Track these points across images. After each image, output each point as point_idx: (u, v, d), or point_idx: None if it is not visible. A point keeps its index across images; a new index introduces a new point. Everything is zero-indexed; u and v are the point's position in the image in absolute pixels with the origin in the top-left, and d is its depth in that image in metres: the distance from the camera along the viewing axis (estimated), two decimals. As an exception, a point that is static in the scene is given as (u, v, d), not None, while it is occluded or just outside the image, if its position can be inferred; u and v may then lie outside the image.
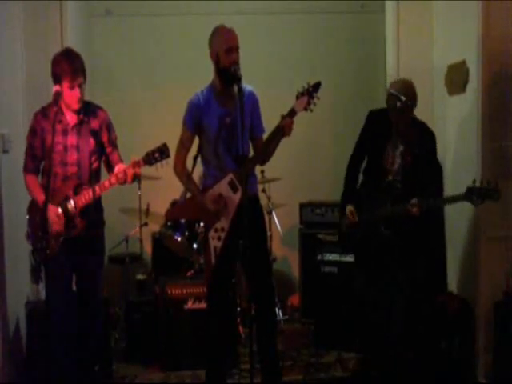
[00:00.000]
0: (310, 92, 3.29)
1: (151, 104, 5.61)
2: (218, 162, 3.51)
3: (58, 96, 3.29)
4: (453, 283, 4.42)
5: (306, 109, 3.29)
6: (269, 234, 5.12)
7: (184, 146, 3.54)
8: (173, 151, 3.51)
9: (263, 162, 3.70)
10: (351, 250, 4.02)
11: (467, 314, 4.05)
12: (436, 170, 3.80)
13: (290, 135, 3.34)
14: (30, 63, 4.23)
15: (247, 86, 3.51)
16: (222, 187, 3.44)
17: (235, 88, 3.31)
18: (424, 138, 3.71)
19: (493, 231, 3.96)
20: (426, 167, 3.71)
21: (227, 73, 3.37)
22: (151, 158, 3.29)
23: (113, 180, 3.36)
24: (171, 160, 3.38)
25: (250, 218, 3.21)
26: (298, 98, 3.31)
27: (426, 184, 3.69)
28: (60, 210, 3.38)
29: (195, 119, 3.49)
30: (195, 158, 3.62)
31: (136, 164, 3.31)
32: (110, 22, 5.66)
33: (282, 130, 3.31)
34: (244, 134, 3.40)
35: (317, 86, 3.30)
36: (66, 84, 3.31)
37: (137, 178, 3.40)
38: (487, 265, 3.97)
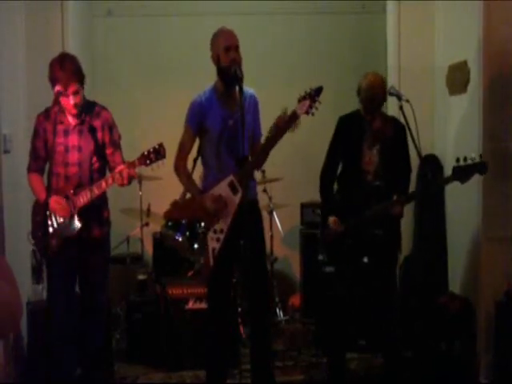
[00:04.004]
0: (312, 96, 3.25)
1: (152, 104, 5.61)
2: (219, 163, 3.50)
3: (58, 96, 3.30)
4: (454, 283, 4.42)
5: (307, 112, 3.25)
6: (270, 234, 5.14)
7: (185, 147, 3.53)
8: (173, 152, 3.52)
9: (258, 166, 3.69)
10: (336, 261, 3.86)
11: (468, 314, 4.04)
12: (409, 162, 3.78)
13: (295, 131, 3.28)
14: (30, 64, 4.23)
15: (249, 89, 3.50)
16: (222, 188, 3.43)
17: (237, 89, 3.32)
18: (397, 131, 3.68)
19: (493, 231, 3.96)
20: (402, 160, 3.71)
21: (228, 73, 3.38)
22: (146, 159, 3.26)
23: (109, 180, 3.35)
24: (167, 161, 3.34)
25: (249, 222, 3.25)
26: (299, 101, 3.27)
27: (400, 178, 3.71)
28: (61, 198, 3.38)
29: (197, 120, 3.49)
30: (195, 160, 3.61)
31: (131, 165, 3.29)
32: (111, 22, 5.66)
33: (279, 129, 3.26)
34: (245, 136, 3.37)
35: (319, 91, 3.27)
36: (60, 90, 3.31)
37: (132, 178, 3.39)
38: (488, 265, 3.96)
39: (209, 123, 3.47)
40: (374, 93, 3.59)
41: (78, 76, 3.36)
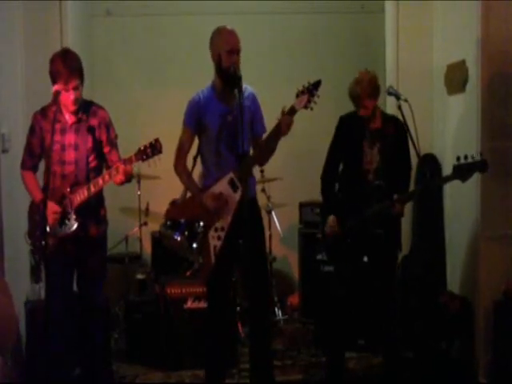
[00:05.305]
0: (310, 90, 3.27)
1: (151, 104, 5.61)
2: (218, 160, 3.49)
3: (57, 95, 3.30)
4: (453, 283, 4.42)
5: (306, 107, 3.27)
6: (268, 233, 5.14)
7: (184, 146, 3.53)
8: (172, 150, 3.51)
9: (262, 162, 3.70)
10: (335, 261, 3.89)
11: (467, 314, 4.05)
12: (410, 161, 3.78)
13: (288, 134, 3.30)
14: (29, 63, 4.23)
15: (248, 87, 3.51)
16: (223, 186, 3.43)
17: (235, 89, 3.32)
18: (398, 130, 3.67)
19: (492, 230, 3.96)
20: (402, 159, 3.72)
21: (227, 74, 3.38)
22: (143, 154, 3.24)
23: (106, 177, 3.33)
24: (166, 159, 3.32)
25: (249, 219, 3.25)
26: (297, 95, 3.29)
27: (401, 176, 3.71)
28: (58, 206, 3.38)
29: (196, 118, 3.49)
30: (195, 158, 3.61)
31: (127, 161, 3.28)
32: (110, 22, 5.66)
33: (280, 128, 3.29)
34: (245, 133, 3.37)
35: (317, 85, 3.29)
36: (60, 85, 3.30)
37: (129, 174, 3.37)
38: (487, 264, 3.97)
39: (207, 120, 3.47)
40: (358, 86, 3.60)
41: (79, 72, 3.37)
